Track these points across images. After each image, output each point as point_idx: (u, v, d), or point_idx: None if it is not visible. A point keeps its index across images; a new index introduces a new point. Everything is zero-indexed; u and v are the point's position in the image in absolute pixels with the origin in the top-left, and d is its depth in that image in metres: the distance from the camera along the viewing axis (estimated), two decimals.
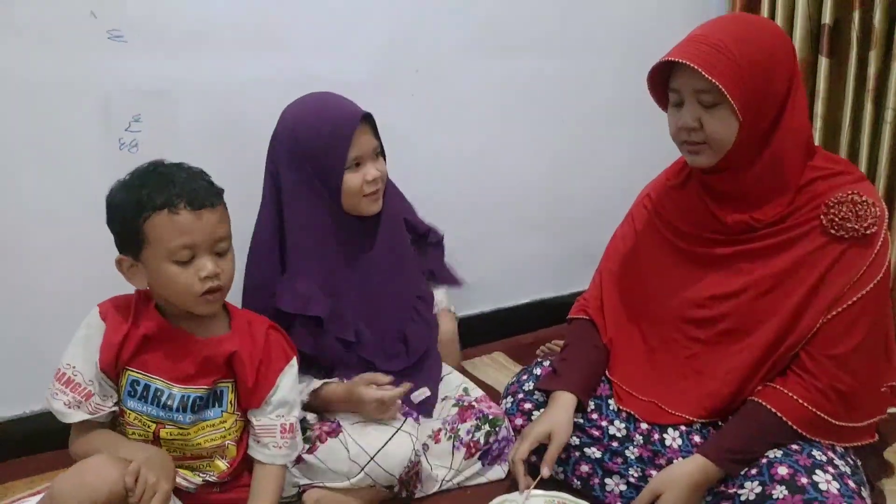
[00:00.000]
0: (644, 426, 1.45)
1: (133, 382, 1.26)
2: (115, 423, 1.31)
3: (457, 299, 1.85)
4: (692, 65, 1.24)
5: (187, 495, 1.32)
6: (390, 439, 1.44)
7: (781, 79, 1.28)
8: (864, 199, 1.29)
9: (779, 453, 1.27)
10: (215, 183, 1.28)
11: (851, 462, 1.31)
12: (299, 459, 1.44)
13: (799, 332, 1.32)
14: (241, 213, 1.59)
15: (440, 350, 1.71)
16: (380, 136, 1.56)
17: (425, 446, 1.53)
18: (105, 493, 1.13)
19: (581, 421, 1.47)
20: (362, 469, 1.41)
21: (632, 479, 1.42)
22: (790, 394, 1.30)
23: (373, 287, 1.59)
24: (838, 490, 1.19)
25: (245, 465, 1.38)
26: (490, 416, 1.54)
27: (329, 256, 1.55)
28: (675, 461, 1.37)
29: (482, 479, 1.55)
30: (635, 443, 1.44)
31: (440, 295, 1.78)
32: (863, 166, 2.16)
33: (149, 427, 1.27)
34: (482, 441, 1.52)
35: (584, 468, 1.47)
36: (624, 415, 1.48)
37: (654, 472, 1.38)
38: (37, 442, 1.66)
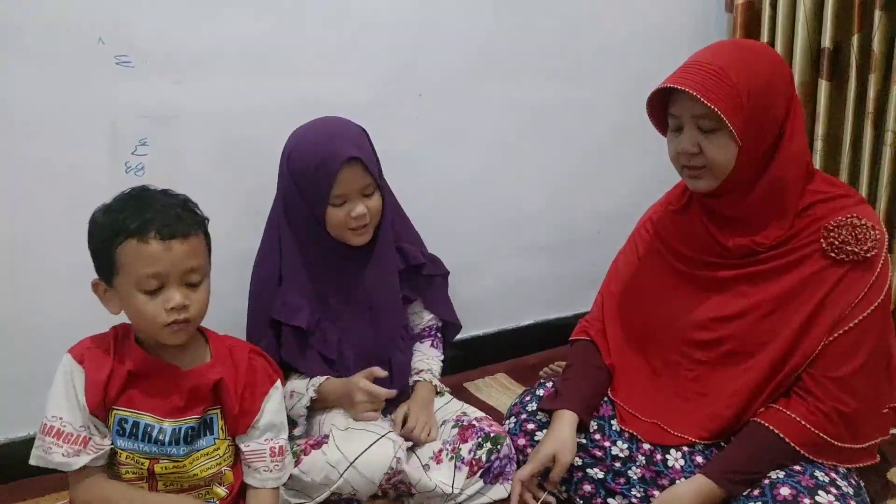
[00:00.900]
0: (647, 447, 1.45)
1: (121, 421, 1.22)
2: (110, 462, 1.27)
3: (461, 320, 1.85)
4: (691, 91, 1.26)
5: None
6: (371, 445, 1.44)
7: (780, 104, 1.30)
8: (863, 222, 1.31)
9: (781, 474, 1.28)
10: (198, 211, 1.26)
11: (854, 483, 1.31)
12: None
13: (801, 354, 1.33)
14: (246, 235, 1.63)
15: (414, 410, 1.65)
16: (375, 172, 1.56)
17: (426, 467, 1.53)
18: None
19: (584, 441, 1.48)
20: (341, 475, 1.41)
21: (634, 500, 1.42)
22: (793, 415, 1.31)
23: (358, 313, 1.63)
24: None
25: (245, 488, 1.36)
26: (492, 434, 1.54)
27: (316, 276, 1.60)
28: (677, 482, 1.37)
29: (484, 499, 1.55)
30: (638, 463, 1.44)
31: (425, 364, 1.74)
32: (863, 188, 2.17)
33: (142, 464, 1.24)
34: (484, 459, 1.52)
35: (587, 488, 1.47)
36: (627, 435, 1.48)
37: (656, 493, 1.39)
38: None
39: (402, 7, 1.94)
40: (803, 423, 1.29)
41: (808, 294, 1.33)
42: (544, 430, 1.51)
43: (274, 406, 1.36)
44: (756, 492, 1.27)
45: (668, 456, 1.43)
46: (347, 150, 1.50)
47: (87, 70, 1.60)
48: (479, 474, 1.52)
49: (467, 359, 2.21)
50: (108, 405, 1.22)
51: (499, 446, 1.53)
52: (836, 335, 1.31)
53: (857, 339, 1.30)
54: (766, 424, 1.32)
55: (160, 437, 1.23)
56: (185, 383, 1.25)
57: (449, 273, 1.81)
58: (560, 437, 1.43)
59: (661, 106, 1.38)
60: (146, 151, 1.69)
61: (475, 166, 2.17)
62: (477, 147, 2.16)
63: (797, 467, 1.29)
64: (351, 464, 1.41)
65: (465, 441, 1.54)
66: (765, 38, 2.31)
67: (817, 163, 2.23)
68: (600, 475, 1.46)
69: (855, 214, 1.32)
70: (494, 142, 2.19)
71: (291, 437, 1.49)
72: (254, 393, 1.33)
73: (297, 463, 1.45)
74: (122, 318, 1.25)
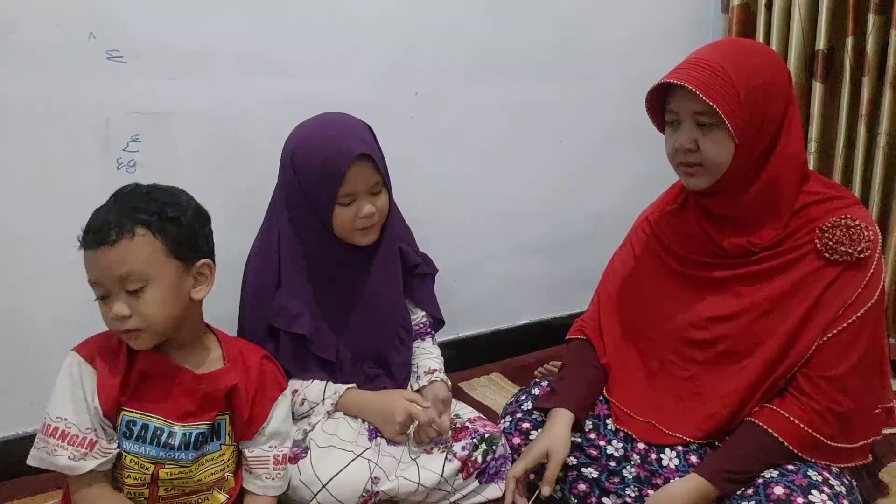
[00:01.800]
0: (641, 446, 1.45)
1: (129, 423, 1.20)
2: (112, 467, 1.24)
3: (456, 320, 1.85)
4: (690, 87, 1.26)
5: None
6: (345, 467, 1.39)
7: (778, 104, 1.30)
8: (857, 223, 1.31)
9: (775, 473, 1.28)
10: (152, 210, 1.17)
11: (847, 482, 1.31)
12: None
13: (796, 354, 1.33)
14: (237, 234, 1.61)
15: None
16: (383, 170, 1.52)
17: (415, 460, 1.50)
18: None
19: (579, 440, 1.48)
20: (314, 496, 1.37)
21: (629, 499, 1.42)
22: (787, 415, 1.31)
23: (357, 311, 1.59)
24: None
25: (243, 494, 1.35)
26: (487, 435, 1.54)
27: (316, 278, 1.55)
28: (671, 481, 1.37)
29: (479, 498, 1.54)
30: (632, 462, 1.44)
31: (437, 364, 1.72)
32: (856, 190, 2.18)
33: (147, 469, 1.21)
34: (480, 460, 1.51)
35: (582, 487, 1.47)
36: (622, 434, 1.48)
37: (650, 492, 1.38)
38: None
39: (397, 6, 1.94)
40: (797, 422, 1.30)
41: (802, 294, 1.34)
42: (540, 430, 1.51)
43: (282, 413, 1.35)
44: (749, 491, 1.27)
45: (662, 455, 1.43)
46: (358, 146, 1.45)
47: (78, 65, 1.59)
48: (474, 475, 1.52)
49: (462, 358, 2.21)
50: (120, 406, 1.20)
51: (494, 447, 1.53)
52: (830, 335, 1.31)
53: (850, 339, 1.31)
54: (761, 424, 1.32)
55: (169, 442, 1.21)
56: (198, 388, 1.23)
57: (437, 270, 1.79)
58: (554, 434, 1.43)
59: (660, 102, 1.38)
60: (138, 148, 1.68)
61: (471, 166, 2.17)
62: (472, 146, 2.16)
63: (790, 466, 1.29)
64: (324, 486, 1.37)
65: (458, 440, 1.54)
66: (760, 39, 2.33)
67: (811, 164, 2.24)
68: (595, 474, 1.46)
69: (849, 215, 1.32)
70: (490, 141, 2.19)
71: None
72: (263, 399, 1.32)
73: None
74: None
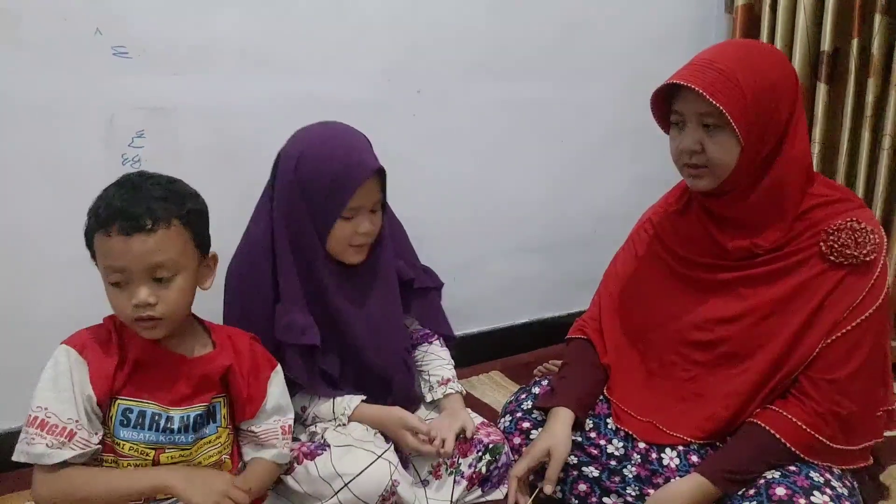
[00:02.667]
0: (642, 445, 1.45)
1: (125, 411, 1.20)
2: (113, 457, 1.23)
3: (456, 318, 1.84)
4: (697, 88, 1.26)
5: None
6: (368, 467, 1.38)
7: (784, 106, 1.30)
8: (862, 226, 1.31)
9: (776, 474, 1.28)
10: (189, 202, 1.20)
11: (849, 484, 1.32)
12: (278, 481, 1.42)
13: (798, 356, 1.33)
14: (240, 229, 1.61)
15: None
16: (385, 190, 1.50)
17: (425, 482, 1.51)
18: None
19: (579, 439, 1.48)
20: (336, 494, 1.37)
21: (629, 498, 1.42)
22: (790, 416, 1.31)
23: (359, 333, 1.54)
24: None
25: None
26: (490, 445, 1.53)
27: (314, 295, 1.50)
28: (672, 480, 1.37)
29: (481, 500, 1.54)
30: (633, 462, 1.44)
31: (450, 372, 1.69)
32: (860, 192, 2.17)
33: (147, 455, 1.21)
34: (484, 470, 1.51)
35: (582, 487, 1.47)
36: (622, 434, 1.48)
37: (651, 491, 1.38)
38: None
39: (400, 4, 1.94)
40: (800, 424, 1.30)
41: (806, 297, 1.34)
42: (540, 429, 1.51)
43: (278, 389, 1.37)
44: (751, 491, 1.27)
45: (663, 455, 1.43)
46: (374, 162, 1.44)
47: (84, 61, 1.59)
48: (478, 484, 1.52)
49: (462, 357, 2.19)
50: (113, 395, 1.20)
51: (497, 456, 1.53)
52: (833, 338, 1.31)
53: (854, 342, 1.31)
54: (763, 425, 1.32)
55: (168, 426, 1.22)
56: (191, 371, 1.24)
57: (443, 284, 1.74)
58: (555, 433, 1.43)
59: (665, 103, 1.38)
60: (143, 144, 1.69)
61: (471, 164, 2.17)
62: (473, 145, 2.16)
63: (792, 468, 1.29)
64: (346, 485, 1.37)
65: (465, 455, 1.52)
66: (763, 40, 2.31)
67: (814, 166, 2.23)
68: (595, 473, 1.46)
69: (854, 218, 1.32)
70: (491, 140, 2.19)
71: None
72: (258, 378, 1.33)
73: (289, 471, 1.42)
74: (105, 313, 1.24)
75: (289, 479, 1.41)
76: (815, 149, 2.24)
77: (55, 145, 1.61)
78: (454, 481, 1.50)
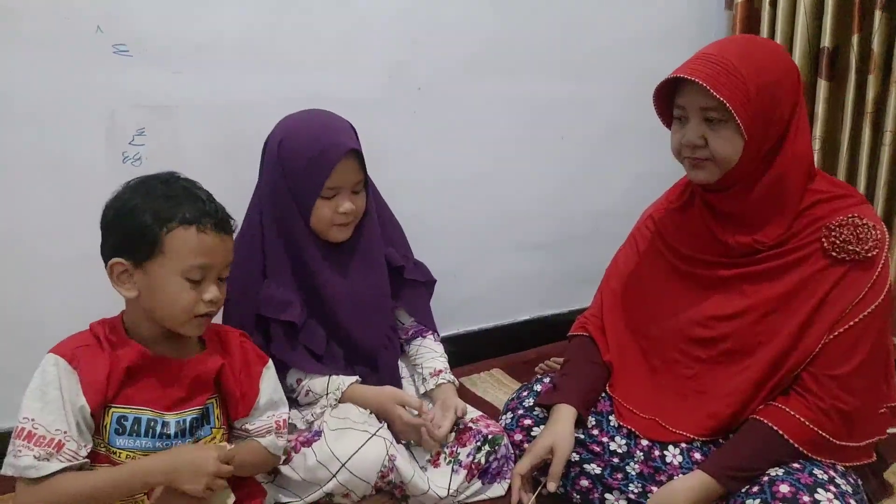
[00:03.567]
0: (645, 442, 1.45)
1: (120, 419, 1.18)
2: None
3: (457, 315, 1.85)
4: (700, 82, 1.25)
5: None
6: (363, 445, 1.41)
7: (787, 102, 1.30)
8: (864, 222, 1.31)
9: (780, 471, 1.28)
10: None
11: (853, 482, 1.31)
12: (276, 472, 1.43)
13: (800, 352, 1.33)
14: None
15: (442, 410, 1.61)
16: (366, 170, 1.55)
17: (423, 469, 1.51)
18: None
19: (582, 436, 1.48)
20: (333, 476, 1.39)
21: (632, 496, 1.42)
22: (793, 413, 1.31)
23: (344, 309, 1.59)
24: None
25: (235, 478, 1.33)
26: (489, 436, 1.53)
27: (300, 272, 1.57)
28: (675, 477, 1.37)
29: (482, 497, 1.54)
30: (636, 459, 1.44)
31: (442, 364, 1.71)
32: (861, 188, 2.18)
33: None
34: (483, 461, 1.51)
35: (585, 483, 1.47)
36: (625, 431, 1.48)
37: (654, 489, 1.39)
38: None
39: (400, 2, 1.94)
40: (803, 420, 1.30)
41: (808, 293, 1.34)
42: (541, 426, 1.51)
43: (270, 385, 1.36)
44: (755, 489, 1.27)
45: (666, 452, 1.43)
46: (349, 141, 1.50)
47: (85, 58, 1.59)
48: (477, 475, 1.52)
49: (463, 353, 2.20)
50: (107, 404, 1.18)
51: (496, 447, 1.53)
52: (836, 334, 1.31)
53: (856, 338, 1.31)
54: (766, 421, 1.32)
55: (165, 431, 1.20)
56: (185, 374, 1.23)
57: (435, 281, 1.78)
58: (558, 430, 1.43)
59: (667, 98, 1.38)
60: (144, 141, 1.69)
61: (473, 161, 2.17)
62: (475, 142, 2.16)
63: (796, 465, 1.29)
64: (343, 465, 1.39)
65: (464, 445, 1.53)
66: (764, 36, 2.31)
67: (816, 161, 2.23)
68: (598, 470, 1.46)
69: (856, 214, 1.32)
70: (492, 137, 2.19)
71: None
72: (250, 375, 1.33)
73: (287, 460, 1.43)
74: (105, 312, 1.24)
75: (286, 469, 1.42)
76: (816, 145, 2.25)
77: (56, 143, 1.61)
78: (452, 470, 1.50)
